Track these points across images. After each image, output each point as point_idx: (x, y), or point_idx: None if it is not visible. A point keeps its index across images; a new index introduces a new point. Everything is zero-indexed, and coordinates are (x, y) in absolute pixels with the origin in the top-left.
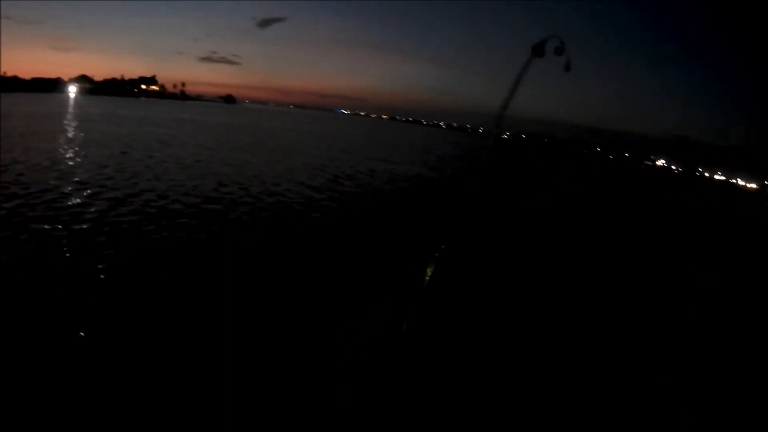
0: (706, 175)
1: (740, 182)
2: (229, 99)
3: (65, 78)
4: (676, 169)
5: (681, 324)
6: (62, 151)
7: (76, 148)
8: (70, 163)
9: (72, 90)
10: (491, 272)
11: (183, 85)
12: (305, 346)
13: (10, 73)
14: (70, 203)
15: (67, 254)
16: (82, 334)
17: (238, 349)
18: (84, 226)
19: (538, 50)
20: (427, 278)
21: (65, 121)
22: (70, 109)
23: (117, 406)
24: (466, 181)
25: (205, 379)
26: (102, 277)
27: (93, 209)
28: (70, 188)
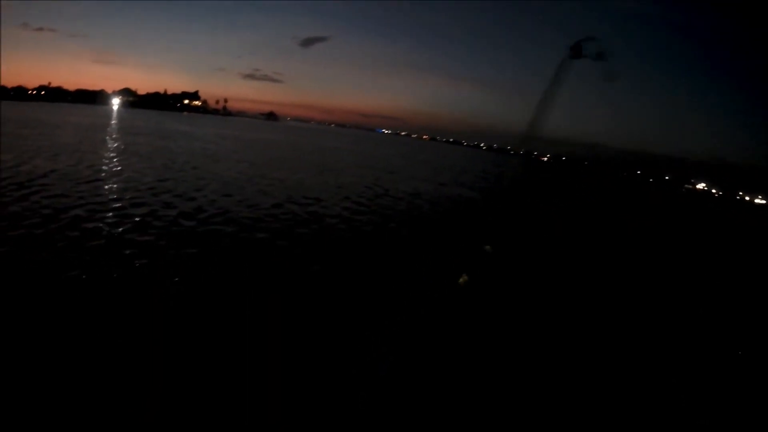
0: (747, 198)
1: None
2: (271, 116)
3: (109, 90)
4: (716, 193)
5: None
6: (111, 163)
7: (125, 161)
8: (120, 175)
9: (115, 102)
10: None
11: (225, 101)
12: (331, 351)
13: (54, 84)
14: (121, 214)
15: (119, 265)
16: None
17: (265, 351)
18: (136, 240)
19: (575, 51)
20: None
21: (111, 133)
22: (115, 122)
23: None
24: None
25: (229, 380)
26: (146, 288)
27: (147, 223)
28: (121, 199)
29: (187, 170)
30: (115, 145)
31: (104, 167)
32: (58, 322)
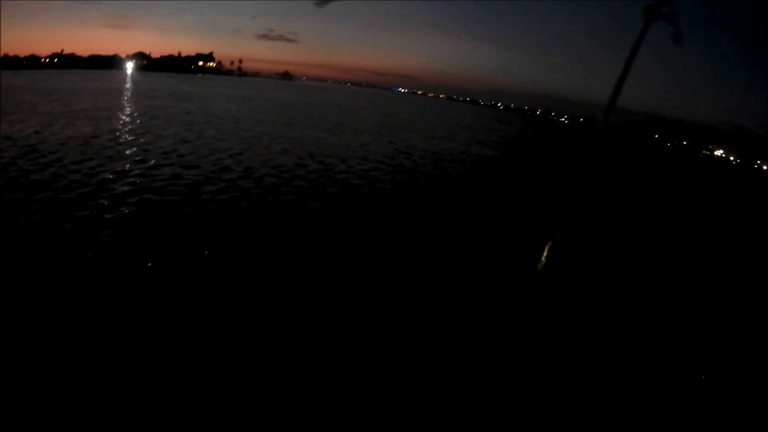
0: (764, 168)
1: None
2: (286, 75)
3: (122, 55)
4: (734, 161)
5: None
6: (130, 128)
7: (143, 124)
8: (140, 139)
9: (129, 66)
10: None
11: (240, 61)
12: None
13: (67, 51)
14: (145, 178)
15: (146, 230)
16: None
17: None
18: (169, 204)
19: (651, 12)
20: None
21: (128, 98)
22: (130, 86)
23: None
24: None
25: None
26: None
27: (175, 185)
28: (143, 164)
29: (207, 131)
30: (133, 109)
31: (123, 132)
32: (80, 291)
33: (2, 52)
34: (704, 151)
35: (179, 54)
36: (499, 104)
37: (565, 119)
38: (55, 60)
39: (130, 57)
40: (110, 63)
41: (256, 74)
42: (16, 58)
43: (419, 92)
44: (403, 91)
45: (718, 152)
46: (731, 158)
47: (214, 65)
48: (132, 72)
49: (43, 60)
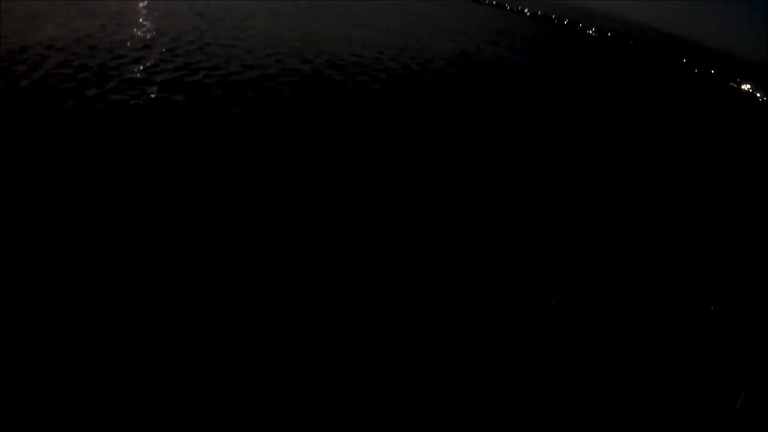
0: None
1: None
2: None
3: None
4: (761, 98)
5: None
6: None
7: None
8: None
9: None
10: None
11: None
12: None
13: None
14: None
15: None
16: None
17: None
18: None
19: None
20: None
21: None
22: None
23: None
24: None
25: None
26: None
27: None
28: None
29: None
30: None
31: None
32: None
33: None
34: (732, 83)
35: None
36: (525, 10)
37: (593, 31)
38: None
39: None
40: None
41: None
42: None
43: None
44: None
45: (746, 86)
46: (758, 95)
47: None
48: None
49: None
